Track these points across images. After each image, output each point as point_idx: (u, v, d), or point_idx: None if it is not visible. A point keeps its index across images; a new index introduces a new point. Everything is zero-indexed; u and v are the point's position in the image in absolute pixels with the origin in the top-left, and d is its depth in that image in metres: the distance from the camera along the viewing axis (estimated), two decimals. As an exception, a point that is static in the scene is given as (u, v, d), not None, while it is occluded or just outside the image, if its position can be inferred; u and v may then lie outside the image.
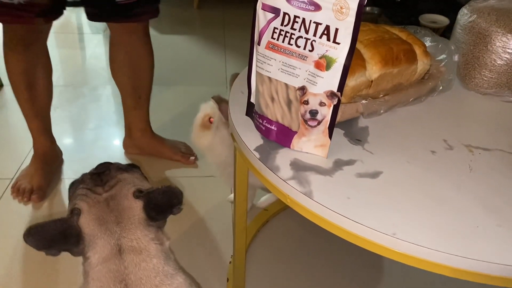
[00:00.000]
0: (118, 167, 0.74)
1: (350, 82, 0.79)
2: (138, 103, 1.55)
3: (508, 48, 0.87)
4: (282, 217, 1.33)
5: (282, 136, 0.74)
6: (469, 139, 0.79)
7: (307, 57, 0.67)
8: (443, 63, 0.90)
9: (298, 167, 0.70)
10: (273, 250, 1.25)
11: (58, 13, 1.31)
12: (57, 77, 2.21)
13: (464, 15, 0.93)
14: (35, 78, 1.41)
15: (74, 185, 0.74)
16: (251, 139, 0.76)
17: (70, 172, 1.61)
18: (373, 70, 0.81)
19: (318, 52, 0.66)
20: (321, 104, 0.69)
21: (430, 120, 0.84)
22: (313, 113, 0.69)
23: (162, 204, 0.67)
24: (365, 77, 0.81)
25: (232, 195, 1.47)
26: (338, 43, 0.65)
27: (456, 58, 0.91)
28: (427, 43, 0.92)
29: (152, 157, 1.63)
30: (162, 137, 1.68)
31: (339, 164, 0.71)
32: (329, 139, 0.71)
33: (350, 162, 0.72)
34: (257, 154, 0.72)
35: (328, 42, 0.65)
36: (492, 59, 0.89)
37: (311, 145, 0.73)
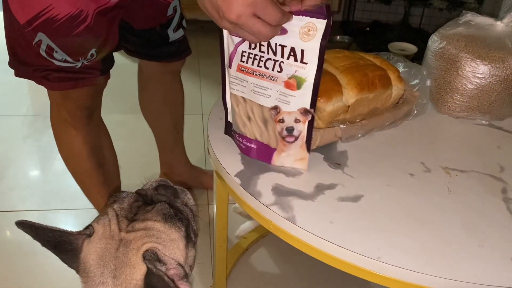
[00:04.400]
0: (162, 211, 0.61)
1: (328, 107, 0.80)
2: (177, 138, 1.50)
3: (478, 73, 0.90)
4: (261, 244, 1.31)
5: (262, 153, 0.75)
6: (446, 162, 0.80)
7: (276, 78, 0.68)
8: (416, 88, 0.92)
9: (280, 192, 0.70)
10: (254, 279, 1.23)
11: (112, 64, 1.11)
12: (26, 107, 2.16)
13: (435, 42, 0.96)
14: (103, 152, 1.21)
15: (115, 197, 0.64)
16: (232, 165, 0.75)
17: (41, 202, 1.56)
18: (349, 95, 0.82)
19: (287, 72, 0.68)
20: (296, 121, 0.70)
21: (407, 144, 0.86)
22: (290, 130, 0.71)
23: None
24: (342, 102, 0.82)
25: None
26: (306, 63, 0.66)
27: (428, 83, 0.94)
28: (400, 69, 0.94)
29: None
30: (199, 167, 1.63)
31: (320, 189, 0.71)
32: (307, 153, 0.73)
33: (331, 186, 0.72)
34: (238, 180, 0.72)
35: (296, 62, 0.67)
36: (463, 83, 0.92)
37: (291, 160, 0.74)
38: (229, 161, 0.76)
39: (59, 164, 1.74)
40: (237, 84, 0.72)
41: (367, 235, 0.63)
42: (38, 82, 1.01)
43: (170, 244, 0.59)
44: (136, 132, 1.85)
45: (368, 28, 3.01)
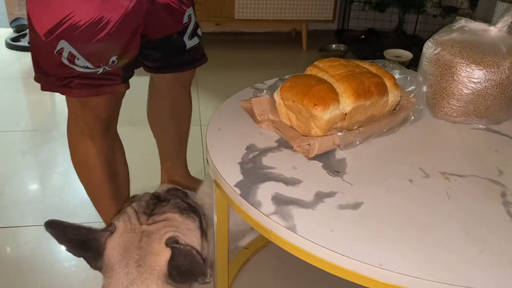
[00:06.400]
0: (177, 204, 0.66)
1: (325, 116, 0.80)
2: (180, 150, 1.50)
3: (473, 78, 0.90)
4: (263, 254, 1.31)
5: None
6: (444, 167, 0.80)
7: None
8: (413, 94, 0.93)
9: (280, 201, 0.70)
10: (255, 290, 1.22)
11: (132, 74, 1.12)
12: (25, 123, 2.17)
13: (429, 48, 0.97)
14: (116, 165, 1.21)
15: (132, 198, 0.69)
16: (231, 175, 0.75)
17: (40, 218, 1.55)
18: (346, 103, 0.82)
19: None
20: None
21: (405, 150, 0.86)
22: None
23: (182, 267, 0.58)
24: (339, 110, 0.82)
25: None
26: None
27: (424, 89, 0.94)
28: (396, 76, 0.95)
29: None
30: (199, 179, 1.63)
31: (320, 197, 0.71)
32: None
33: (330, 194, 0.72)
34: (237, 190, 0.72)
35: None
36: (459, 88, 0.92)
37: None
38: (228, 171, 0.76)
39: (59, 179, 1.74)
40: None
41: (368, 242, 0.63)
42: (62, 92, 1.02)
43: (189, 233, 0.63)
44: (134, 144, 1.86)
45: (363, 36, 3.03)
